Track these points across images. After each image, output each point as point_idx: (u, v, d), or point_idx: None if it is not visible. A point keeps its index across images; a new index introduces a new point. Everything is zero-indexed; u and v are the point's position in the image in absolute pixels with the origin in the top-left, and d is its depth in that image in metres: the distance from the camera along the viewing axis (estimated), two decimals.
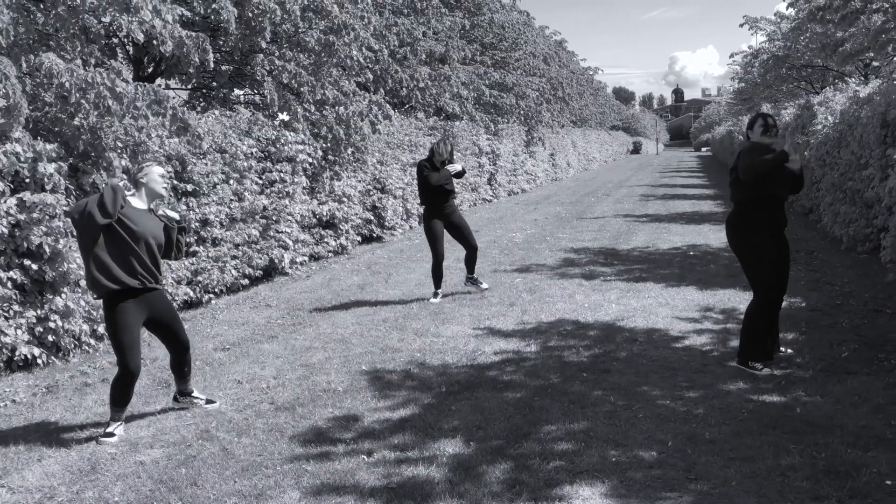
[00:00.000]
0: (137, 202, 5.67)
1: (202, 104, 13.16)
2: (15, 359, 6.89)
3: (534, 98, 27.43)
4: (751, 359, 6.46)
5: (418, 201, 17.12)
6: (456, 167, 9.79)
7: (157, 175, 5.74)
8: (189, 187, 9.35)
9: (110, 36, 10.62)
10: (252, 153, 10.78)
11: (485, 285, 10.22)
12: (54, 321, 7.14)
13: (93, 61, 8.14)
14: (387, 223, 15.46)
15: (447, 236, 9.84)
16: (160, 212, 5.80)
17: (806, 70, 27.51)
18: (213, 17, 10.57)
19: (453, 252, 11.41)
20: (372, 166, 14.90)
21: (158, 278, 5.73)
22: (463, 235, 9.98)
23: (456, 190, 10.16)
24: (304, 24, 12.14)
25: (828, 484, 4.41)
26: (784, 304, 7.96)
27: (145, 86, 8.00)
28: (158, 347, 7.75)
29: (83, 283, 7.56)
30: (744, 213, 6.54)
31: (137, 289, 5.54)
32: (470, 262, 10.14)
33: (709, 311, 8.66)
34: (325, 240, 13.00)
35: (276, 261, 11.23)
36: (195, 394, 6.15)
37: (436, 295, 9.74)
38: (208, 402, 6.13)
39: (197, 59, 9.11)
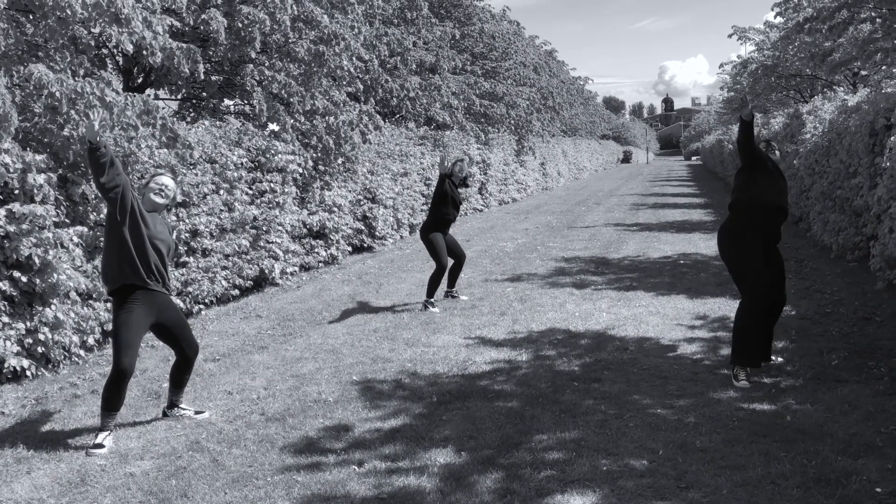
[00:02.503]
0: (146, 206, 5.79)
1: (192, 114, 13.14)
2: (3, 371, 6.86)
3: (524, 107, 27.49)
4: (740, 364, 6.46)
5: (409, 211, 17.20)
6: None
7: (153, 183, 5.86)
8: (179, 198, 9.33)
9: (100, 47, 10.60)
10: (242, 163, 10.76)
11: (464, 297, 10.39)
12: (44, 333, 7.10)
13: (82, 72, 8.12)
14: (377, 233, 15.45)
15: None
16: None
17: (795, 79, 27.65)
18: (202, 27, 10.57)
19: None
20: (362, 176, 14.90)
21: (167, 283, 5.83)
22: (457, 248, 10.21)
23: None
24: (294, 34, 12.15)
25: (818, 492, 4.42)
26: None
27: (135, 96, 7.99)
28: (148, 359, 7.73)
29: (73, 294, 7.54)
30: (736, 218, 6.64)
31: (147, 290, 5.65)
32: (455, 274, 10.33)
33: (699, 320, 8.68)
34: (316, 250, 12.98)
35: (267, 271, 11.21)
36: (183, 405, 6.14)
37: (435, 304, 9.76)
38: (197, 412, 6.12)
39: (187, 70, 9.11)
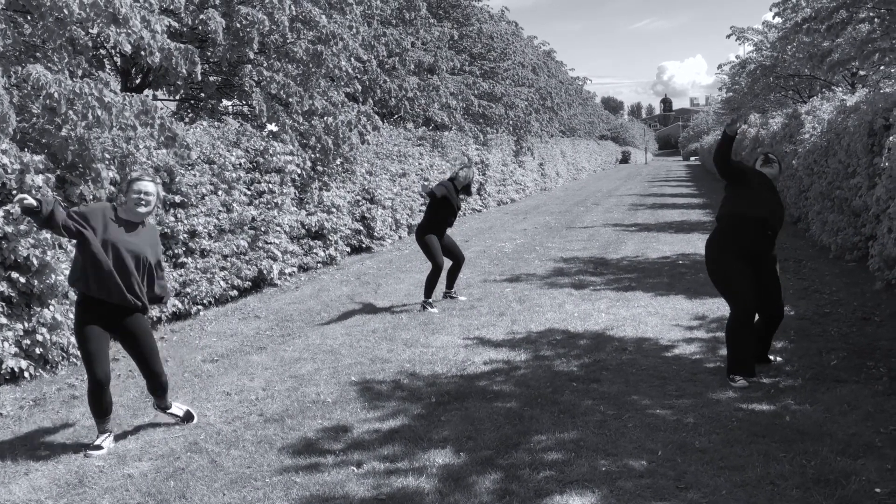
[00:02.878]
0: (126, 214, 5.52)
1: (190, 115, 13.14)
2: (1, 371, 6.85)
3: (523, 108, 27.48)
4: (733, 371, 6.46)
5: (408, 212, 17.19)
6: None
7: (132, 193, 5.50)
8: (177, 198, 9.33)
9: (98, 47, 10.60)
10: (240, 164, 10.75)
11: (463, 297, 10.32)
12: (42, 334, 7.09)
13: (80, 72, 8.11)
14: (376, 234, 15.44)
15: None
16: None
17: (793, 79, 27.67)
18: (200, 27, 10.56)
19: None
20: (361, 177, 14.89)
21: (127, 298, 5.42)
22: (456, 249, 10.16)
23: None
24: (293, 34, 12.14)
25: (817, 492, 4.42)
26: None
27: (133, 96, 7.98)
28: None
29: (72, 294, 7.52)
30: (719, 231, 6.63)
31: (107, 303, 5.40)
32: (454, 275, 10.28)
33: (698, 320, 8.67)
34: (314, 250, 12.97)
35: (265, 272, 11.20)
36: (172, 410, 5.97)
37: (433, 305, 9.73)
38: (185, 418, 5.97)
39: (185, 71, 9.10)
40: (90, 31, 8.17)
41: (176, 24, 10.28)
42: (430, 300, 9.76)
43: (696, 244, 14.84)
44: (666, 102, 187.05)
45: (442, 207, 9.87)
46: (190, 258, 9.63)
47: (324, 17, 12.23)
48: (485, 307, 9.76)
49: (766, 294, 6.62)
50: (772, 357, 6.90)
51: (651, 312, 9.12)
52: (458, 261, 10.21)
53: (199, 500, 4.68)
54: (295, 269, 12.26)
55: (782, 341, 7.48)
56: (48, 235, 7.10)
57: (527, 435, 5.45)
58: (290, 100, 12.02)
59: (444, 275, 10.00)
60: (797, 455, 4.92)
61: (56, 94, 7.03)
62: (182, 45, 9.08)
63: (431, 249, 9.80)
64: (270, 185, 11.41)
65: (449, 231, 10.20)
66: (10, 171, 6.86)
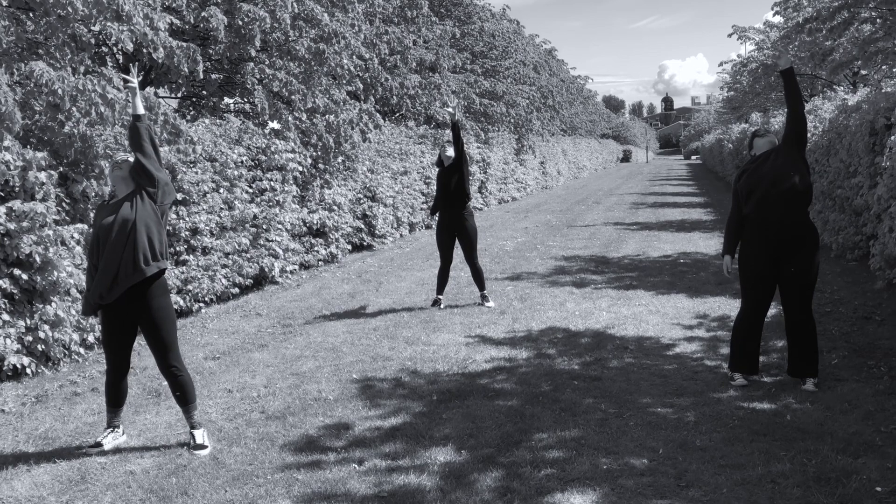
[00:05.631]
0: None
1: (192, 113, 13.14)
2: (3, 368, 6.86)
3: (524, 106, 27.48)
4: (733, 368, 6.45)
5: (409, 210, 17.21)
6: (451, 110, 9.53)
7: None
8: (179, 196, 9.34)
9: (100, 45, 10.60)
10: (242, 161, 10.76)
11: (490, 303, 9.79)
12: (44, 331, 7.10)
13: (83, 69, 8.12)
14: (377, 232, 15.45)
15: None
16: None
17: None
18: (202, 25, 10.57)
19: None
20: (362, 175, 14.90)
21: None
22: (463, 250, 9.78)
23: (469, 194, 9.76)
24: (295, 32, 12.14)
25: (818, 490, 4.43)
26: (773, 311, 8.00)
27: None
28: (148, 356, 7.72)
29: (73, 291, 7.53)
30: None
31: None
32: (474, 278, 9.89)
33: (699, 319, 8.68)
34: (316, 248, 12.98)
35: (267, 269, 11.20)
36: (194, 433, 5.51)
37: (437, 302, 9.73)
38: (197, 447, 5.44)
39: (186, 69, 9.10)
40: (92, 27, 8.17)
41: (178, 22, 10.29)
42: (438, 296, 9.76)
43: (697, 243, 14.86)
44: (667, 101, 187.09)
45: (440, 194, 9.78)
46: (192, 255, 9.64)
47: (326, 15, 12.23)
48: (486, 305, 9.76)
49: (786, 292, 6.29)
50: (806, 382, 6.25)
51: (652, 311, 9.13)
52: (468, 262, 9.84)
53: (201, 496, 4.69)
54: (296, 267, 12.27)
55: (782, 340, 7.48)
56: (51, 232, 7.10)
57: (528, 433, 5.46)
58: (292, 97, 12.03)
59: (453, 272, 9.79)
60: (798, 453, 4.93)
61: (59, 91, 7.03)
62: (184, 43, 9.08)
63: (437, 241, 9.83)
64: (272, 183, 11.42)
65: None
66: (12, 167, 6.87)
